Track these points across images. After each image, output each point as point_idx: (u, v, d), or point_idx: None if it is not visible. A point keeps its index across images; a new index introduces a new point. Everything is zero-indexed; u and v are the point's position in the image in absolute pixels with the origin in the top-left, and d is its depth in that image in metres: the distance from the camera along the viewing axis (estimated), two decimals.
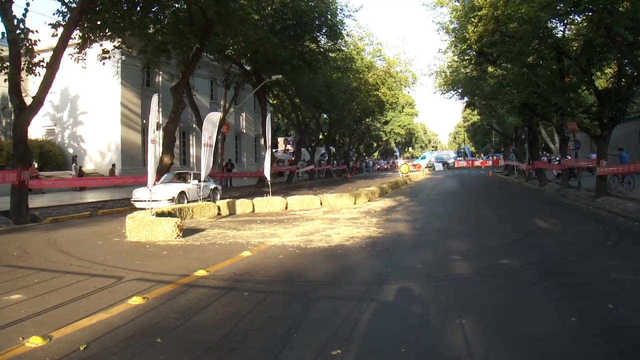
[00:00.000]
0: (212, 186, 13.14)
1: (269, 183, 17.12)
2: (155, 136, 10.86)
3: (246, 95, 29.19)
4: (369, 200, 16.24)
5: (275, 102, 32.09)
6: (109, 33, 15.18)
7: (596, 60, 15.52)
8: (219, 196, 16.30)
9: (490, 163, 47.38)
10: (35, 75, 12.92)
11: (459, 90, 27.43)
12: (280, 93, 29.34)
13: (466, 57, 21.01)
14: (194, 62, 17.33)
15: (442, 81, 27.34)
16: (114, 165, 24.75)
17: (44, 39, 13.42)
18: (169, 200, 14.09)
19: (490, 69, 21.73)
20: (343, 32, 24.80)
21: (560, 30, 16.59)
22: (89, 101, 25.95)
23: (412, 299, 4.98)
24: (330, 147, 40.88)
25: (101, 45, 15.49)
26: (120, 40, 16.21)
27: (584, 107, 15.63)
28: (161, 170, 15.56)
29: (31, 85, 19.94)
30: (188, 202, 14.54)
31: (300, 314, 4.47)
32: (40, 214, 13.20)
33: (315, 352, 3.52)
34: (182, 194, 14.81)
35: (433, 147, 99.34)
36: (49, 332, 3.94)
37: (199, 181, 15.03)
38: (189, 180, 15.81)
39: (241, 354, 3.59)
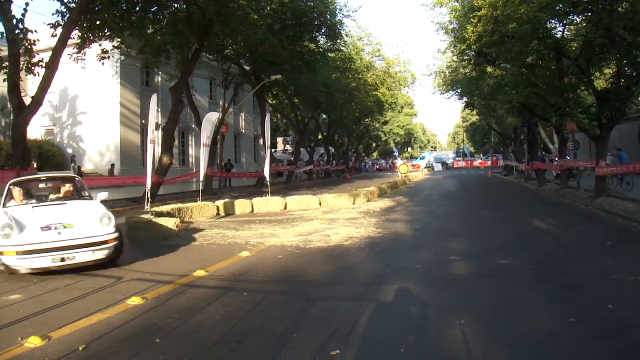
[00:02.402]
0: None
1: (268, 183, 17.12)
2: (154, 136, 10.71)
3: (245, 95, 29.17)
4: (367, 201, 16.24)
5: (274, 102, 32.06)
6: (108, 33, 15.15)
7: (595, 60, 15.51)
8: None
9: (489, 163, 47.34)
10: (35, 75, 12.91)
11: (458, 91, 27.40)
12: (279, 93, 29.31)
13: (465, 57, 20.99)
14: (193, 62, 17.32)
15: (441, 81, 27.30)
16: (112, 165, 24.72)
17: (43, 39, 13.40)
18: None
19: (489, 69, 21.70)
20: (342, 32, 24.78)
21: (560, 31, 16.59)
22: (88, 101, 25.92)
23: (411, 299, 4.98)
24: (329, 147, 40.85)
25: (100, 45, 15.47)
26: (119, 40, 16.19)
27: (583, 107, 15.61)
28: (160, 171, 15.53)
29: (30, 85, 19.90)
30: None
31: (299, 314, 4.47)
32: None
33: (314, 352, 3.52)
34: None
35: (432, 147, 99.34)
36: (47, 332, 3.94)
37: None
38: None
39: (240, 354, 3.59)
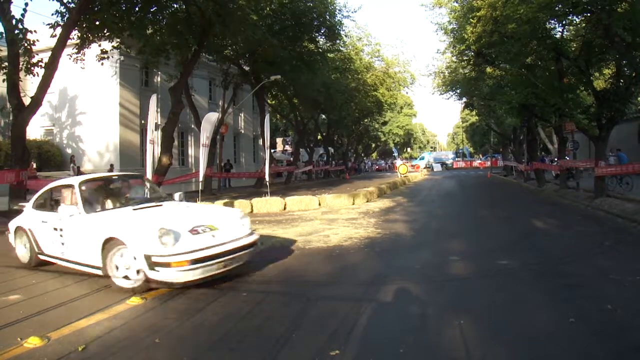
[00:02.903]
0: None
1: (268, 183, 17.12)
2: (154, 137, 10.70)
3: (245, 96, 29.16)
4: (367, 201, 16.23)
5: (273, 102, 32.10)
6: (107, 33, 15.15)
7: (595, 61, 15.53)
8: None
9: (488, 164, 47.36)
10: (34, 75, 12.91)
11: (458, 91, 27.47)
12: (278, 93, 29.35)
13: (465, 58, 21.03)
14: (193, 62, 17.32)
15: (440, 82, 27.36)
16: (112, 165, 24.67)
17: (43, 39, 13.39)
18: None
19: (488, 69, 21.73)
20: (341, 32, 24.83)
21: (559, 31, 16.61)
22: (88, 101, 25.90)
23: (410, 299, 4.98)
24: (329, 148, 40.87)
25: (100, 45, 15.47)
26: (118, 40, 16.19)
27: (582, 107, 15.63)
28: (160, 171, 15.52)
29: (30, 85, 19.88)
30: None
31: (299, 315, 4.47)
32: None
33: (313, 353, 3.52)
34: None
35: (432, 147, 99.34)
36: (47, 332, 3.94)
37: None
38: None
39: (240, 355, 3.59)
